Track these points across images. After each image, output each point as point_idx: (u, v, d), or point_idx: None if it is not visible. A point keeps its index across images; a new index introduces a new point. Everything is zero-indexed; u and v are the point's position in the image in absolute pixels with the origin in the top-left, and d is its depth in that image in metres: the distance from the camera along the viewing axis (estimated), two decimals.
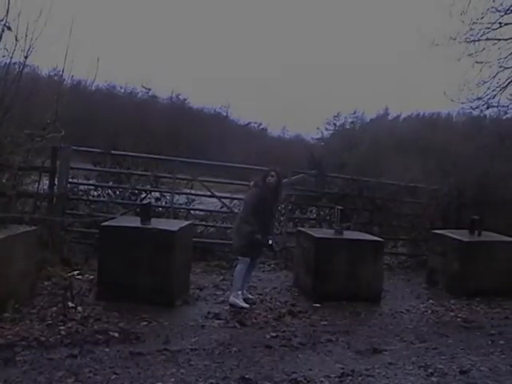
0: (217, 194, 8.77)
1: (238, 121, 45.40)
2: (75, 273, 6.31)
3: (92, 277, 6.04)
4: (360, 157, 33.71)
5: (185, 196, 9.03)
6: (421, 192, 9.60)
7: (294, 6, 62.64)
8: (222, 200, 8.77)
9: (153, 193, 8.80)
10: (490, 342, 4.90)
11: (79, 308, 4.98)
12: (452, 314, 5.93)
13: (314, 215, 9.54)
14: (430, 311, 6.01)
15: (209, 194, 8.58)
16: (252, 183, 5.99)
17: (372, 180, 9.53)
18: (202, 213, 9.22)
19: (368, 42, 65.45)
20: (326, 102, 49.00)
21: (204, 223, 8.93)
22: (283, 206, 9.00)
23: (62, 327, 4.45)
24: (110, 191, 8.72)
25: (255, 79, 62.59)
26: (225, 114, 45.01)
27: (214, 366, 3.89)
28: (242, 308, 5.54)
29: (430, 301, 6.53)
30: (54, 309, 4.90)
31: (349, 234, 6.64)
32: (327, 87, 61.82)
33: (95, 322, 4.66)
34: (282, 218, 9.01)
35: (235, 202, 9.26)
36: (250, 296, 5.93)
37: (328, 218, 9.19)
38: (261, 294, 6.25)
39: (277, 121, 57.91)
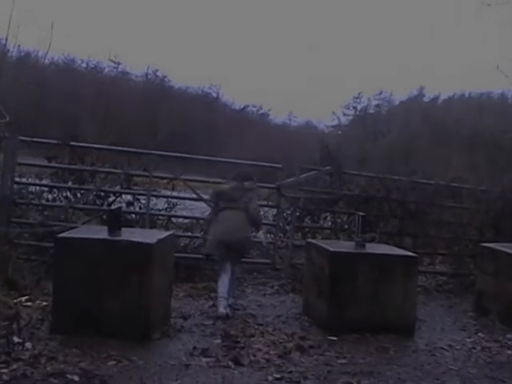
0: (205, 196, 8.76)
1: (231, 104, 45.54)
2: (23, 298, 6.29)
3: (45, 303, 6.01)
4: (387, 149, 33.86)
5: (164, 199, 9.02)
6: (466, 194, 9.61)
7: None
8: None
9: (124, 195, 8.80)
10: None
11: (28, 344, 4.95)
12: (509, 352, 5.90)
13: (329, 223, 9.54)
14: (479, 348, 5.98)
15: (195, 196, 8.58)
16: (252, 183, 6.76)
17: (403, 178, 9.53)
18: (186, 221, 9.22)
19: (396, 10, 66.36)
20: (345, 83, 49.40)
21: (189, 234, 8.93)
22: (289, 212, 9.01)
23: (4, 370, 4.40)
24: (68, 193, 8.72)
25: (253, 54, 63.21)
26: (215, 95, 45.14)
27: None
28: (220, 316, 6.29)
29: (480, 334, 6.50)
30: None
31: (373, 248, 6.64)
32: (348, 65, 62.70)
33: (49, 361, 4.63)
34: (287, 228, 9.02)
35: None
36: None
37: (346, 226, 9.19)
38: (261, 325, 6.24)
39: (281, 104, 58.29)
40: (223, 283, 6.65)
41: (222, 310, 6.46)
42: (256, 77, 56.88)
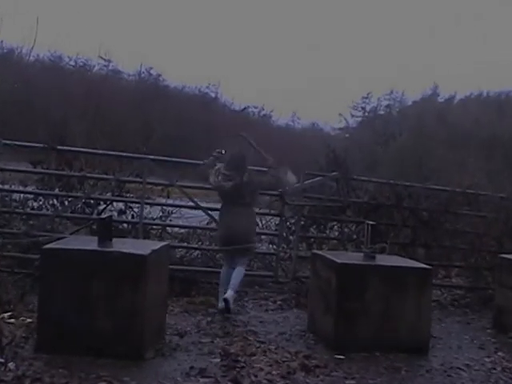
0: (202, 204, 8.77)
1: (231, 104, 45.67)
2: (6, 315, 6.28)
3: (30, 320, 6.00)
4: (399, 153, 33.85)
5: (159, 208, 9.02)
6: (484, 201, 9.60)
7: None
8: (210, 213, 8.76)
9: (115, 203, 8.80)
10: None
11: (11, 364, 4.93)
12: None
13: (336, 233, 9.53)
14: (499, 368, 5.95)
15: (192, 204, 8.58)
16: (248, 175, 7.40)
17: (415, 184, 9.53)
18: (182, 230, 9.23)
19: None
20: (346, 83, 49.79)
21: (185, 245, 8.93)
22: (293, 220, 9.01)
23: None
24: (55, 201, 8.72)
25: (253, 54, 63.67)
26: (213, 94, 45.25)
27: None
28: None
29: (499, 353, 6.47)
30: None
31: (384, 259, 6.63)
32: (348, 65, 63.54)
33: (33, 383, 4.61)
34: (291, 238, 9.01)
35: None
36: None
37: (355, 236, 9.19)
38: (263, 342, 6.22)
39: (282, 105, 58.90)
40: (223, 279, 7.40)
41: (220, 304, 7.20)
42: (255, 77, 57.55)
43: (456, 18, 59.52)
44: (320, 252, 7.29)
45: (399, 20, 69.58)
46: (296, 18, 72.32)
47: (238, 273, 7.34)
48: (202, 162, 7.84)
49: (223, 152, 7.56)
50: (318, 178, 9.06)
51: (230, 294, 7.12)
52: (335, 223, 9.54)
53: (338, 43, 70.84)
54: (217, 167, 7.47)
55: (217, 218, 8.72)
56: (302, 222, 9.13)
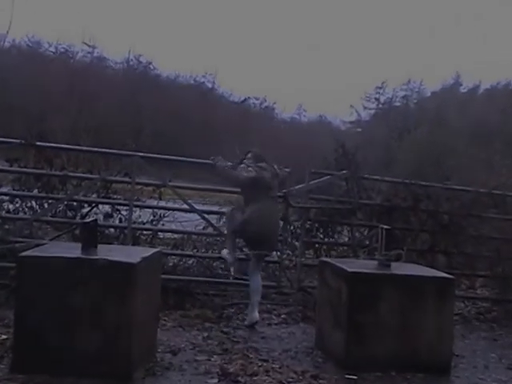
0: (198, 207, 8.76)
1: (229, 95, 45.65)
2: None
3: (5, 337, 6.00)
4: (416, 148, 33.83)
5: (149, 210, 9.02)
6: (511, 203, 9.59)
7: None
8: (206, 216, 8.75)
9: (101, 206, 8.79)
10: None
11: None
12: None
13: (346, 238, 9.52)
14: None
15: (186, 206, 8.57)
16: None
17: (434, 184, 9.52)
18: (175, 236, 9.22)
19: None
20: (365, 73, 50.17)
21: (179, 252, 8.92)
22: (298, 224, 8.99)
23: None
24: (34, 204, 8.72)
25: (251, 54, 64.23)
26: (210, 85, 45.24)
27: None
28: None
29: None
30: None
31: (400, 268, 6.63)
32: (348, 65, 64.74)
33: None
34: (296, 243, 8.99)
35: None
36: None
37: (367, 242, 9.18)
38: (266, 361, 6.21)
39: (290, 97, 59.22)
40: (259, 286, 7.64)
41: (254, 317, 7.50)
42: (253, 76, 57.81)
43: (456, 18, 61.56)
44: (328, 259, 7.30)
45: (399, 20, 71.85)
46: (295, 18, 74.08)
47: (259, 286, 7.62)
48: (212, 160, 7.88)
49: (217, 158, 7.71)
50: (325, 177, 9.03)
51: (257, 314, 7.53)
52: (345, 227, 9.53)
53: (338, 43, 72.70)
54: (242, 165, 7.61)
55: (213, 221, 8.75)
56: (308, 226, 9.12)
